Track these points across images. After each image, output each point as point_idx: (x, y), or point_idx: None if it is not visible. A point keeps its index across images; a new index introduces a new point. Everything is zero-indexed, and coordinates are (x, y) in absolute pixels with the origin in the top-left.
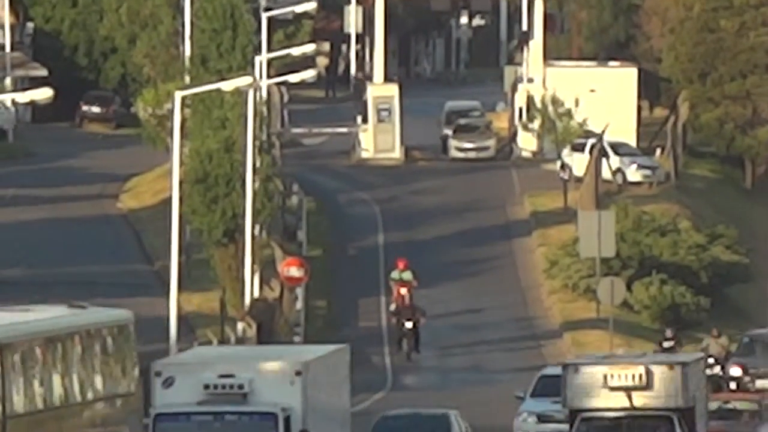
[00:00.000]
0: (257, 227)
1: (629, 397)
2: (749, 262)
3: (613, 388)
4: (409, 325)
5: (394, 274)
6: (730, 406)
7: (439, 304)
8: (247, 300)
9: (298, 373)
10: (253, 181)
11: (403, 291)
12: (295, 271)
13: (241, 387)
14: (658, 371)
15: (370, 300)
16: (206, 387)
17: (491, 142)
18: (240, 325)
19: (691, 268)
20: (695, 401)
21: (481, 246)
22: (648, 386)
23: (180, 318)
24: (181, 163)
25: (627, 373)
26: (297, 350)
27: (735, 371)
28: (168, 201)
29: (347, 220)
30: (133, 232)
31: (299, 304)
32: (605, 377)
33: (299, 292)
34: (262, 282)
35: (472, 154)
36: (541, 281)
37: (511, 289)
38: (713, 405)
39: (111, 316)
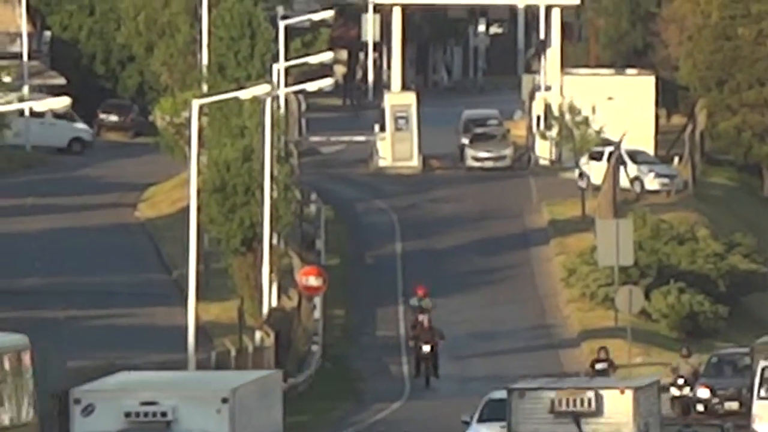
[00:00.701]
0: (275, 236)
1: (578, 424)
2: (767, 270)
3: (560, 414)
4: (426, 348)
5: (413, 301)
6: (690, 430)
7: (457, 312)
8: (266, 309)
9: (224, 401)
10: (271, 189)
11: (422, 318)
12: (313, 281)
13: (164, 415)
14: (609, 396)
15: (388, 309)
16: (127, 415)
17: (508, 151)
18: (258, 335)
19: (710, 276)
20: (648, 427)
21: (499, 255)
22: (598, 412)
23: (198, 327)
24: (199, 172)
25: (575, 398)
26: (225, 376)
27: (703, 393)
28: (186, 210)
29: (365, 229)
30: (151, 242)
31: (317, 314)
32: (552, 402)
33: (317, 301)
34: (280, 291)
35: (488, 164)
36: (559, 290)
37: (529, 297)
38: (672, 430)
39: (5, 342)
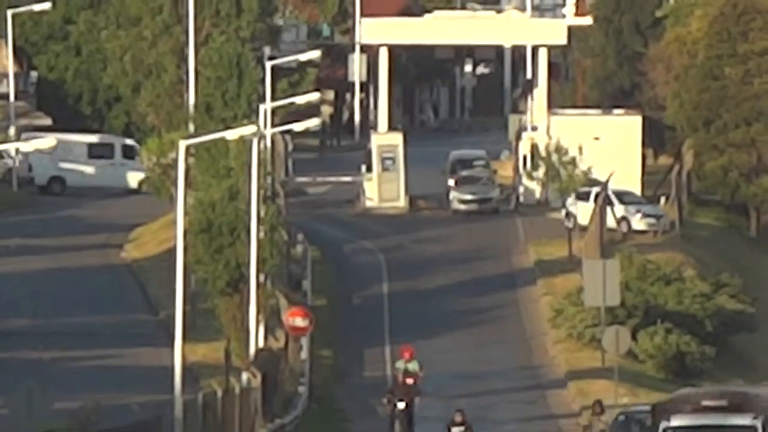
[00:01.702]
0: (262, 277)
1: None
2: (755, 310)
3: None
4: (401, 405)
5: (399, 364)
6: None
7: (444, 353)
8: (252, 350)
9: None
10: (258, 230)
11: (409, 382)
12: (299, 321)
13: None
14: None
15: (375, 350)
16: None
17: (494, 194)
18: (245, 375)
19: (696, 316)
20: None
21: (486, 295)
22: None
23: (185, 368)
24: (186, 213)
25: None
26: None
27: None
28: (172, 251)
29: (352, 270)
30: (137, 282)
31: (304, 354)
32: None
33: (304, 341)
34: (267, 332)
35: (474, 206)
36: (546, 330)
37: (515, 338)
38: None
39: None
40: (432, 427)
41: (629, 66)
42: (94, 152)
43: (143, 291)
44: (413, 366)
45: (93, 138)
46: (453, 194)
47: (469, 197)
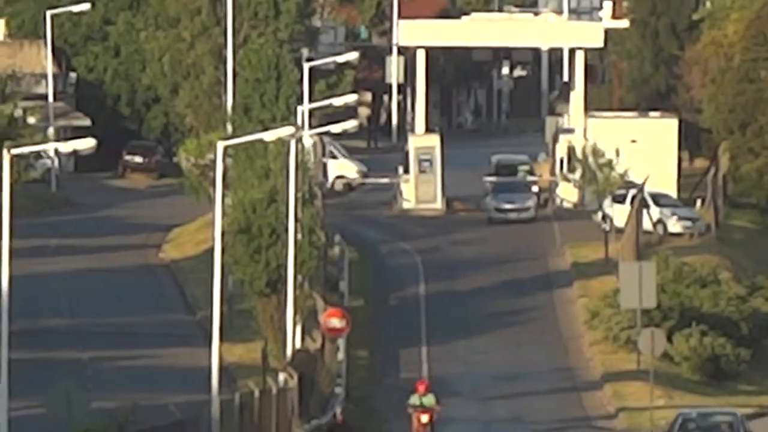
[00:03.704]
0: (300, 278)
1: None
2: None
3: None
4: None
5: (414, 399)
6: None
7: (480, 354)
8: (289, 351)
9: None
10: (295, 231)
11: (425, 419)
12: (336, 322)
13: None
14: None
15: (412, 350)
16: None
17: (531, 203)
18: (282, 376)
19: (732, 319)
20: None
21: (522, 297)
22: None
23: (222, 368)
24: (224, 214)
25: None
26: None
27: None
28: (210, 251)
29: (388, 271)
30: (175, 283)
31: (341, 355)
32: None
33: (341, 342)
34: (304, 333)
35: (512, 215)
36: (581, 332)
37: (551, 339)
38: None
39: None
40: (469, 428)
41: (665, 69)
42: None
43: (181, 291)
44: (429, 400)
45: None
46: (490, 203)
47: (506, 206)
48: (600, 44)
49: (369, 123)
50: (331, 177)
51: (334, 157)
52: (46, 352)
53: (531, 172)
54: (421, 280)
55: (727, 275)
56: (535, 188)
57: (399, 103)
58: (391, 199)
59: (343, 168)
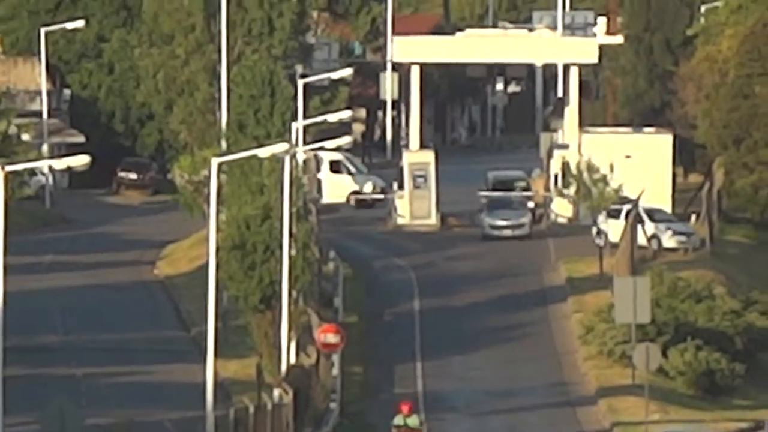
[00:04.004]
0: (294, 294)
1: None
2: None
3: None
4: None
5: (398, 420)
6: None
7: (475, 369)
8: (284, 366)
9: None
10: (290, 247)
11: None
12: (331, 338)
13: None
14: None
15: (407, 366)
16: None
17: (526, 219)
18: (277, 392)
19: (726, 334)
20: None
21: (517, 312)
22: None
23: (217, 384)
24: (218, 230)
25: None
26: None
27: None
28: (204, 267)
29: (383, 287)
30: (170, 299)
31: (335, 371)
32: None
33: (335, 358)
34: (299, 348)
35: (506, 232)
36: (576, 347)
37: (546, 354)
38: None
39: None
40: None
41: (660, 84)
42: None
43: (175, 308)
44: (413, 421)
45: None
46: (485, 220)
47: (501, 223)
48: (594, 60)
49: (363, 139)
50: (346, 193)
51: (350, 173)
52: (40, 368)
53: (527, 188)
54: (415, 295)
55: (721, 290)
56: (531, 204)
57: (393, 119)
58: (386, 215)
59: (359, 184)
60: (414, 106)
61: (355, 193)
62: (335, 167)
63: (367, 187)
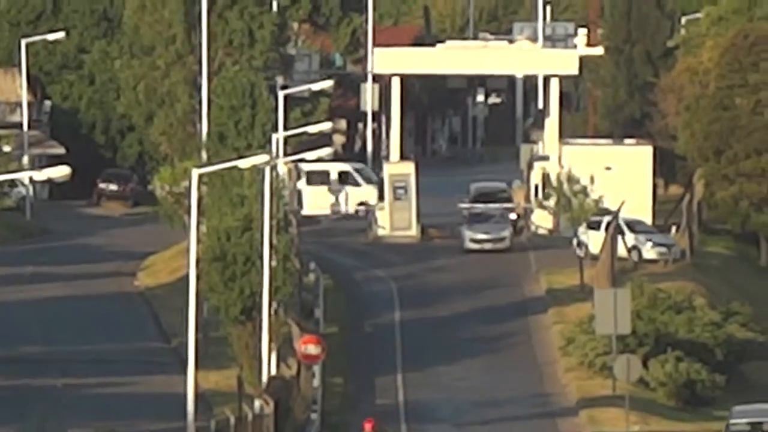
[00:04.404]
0: (275, 305)
1: None
2: (765, 339)
3: None
4: None
5: None
6: None
7: (456, 380)
8: (265, 377)
9: None
10: (270, 259)
11: None
12: (312, 349)
13: None
14: None
15: (387, 378)
16: None
17: (507, 233)
18: (257, 403)
19: (707, 345)
20: None
21: (498, 323)
22: None
23: (197, 395)
24: (199, 241)
25: None
26: None
27: None
28: (185, 279)
29: (364, 298)
30: (150, 310)
31: (316, 382)
32: None
33: (316, 369)
34: (279, 359)
35: (487, 246)
36: (557, 358)
37: (527, 366)
38: None
39: None
40: None
41: (640, 96)
42: (312, 180)
43: (156, 319)
44: None
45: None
46: (465, 233)
47: (482, 236)
48: (575, 71)
49: (344, 150)
50: (352, 203)
51: (356, 184)
52: (20, 379)
53: (509, 200)
54: (396, 307)
55: (702, 301)
56: (513, 215)
57: (374, 131)
58: (366, 227)
59: (365, 195)
60: (394, 118)
61: (362, 204)
62: (344, 178)
63: (372, 198)
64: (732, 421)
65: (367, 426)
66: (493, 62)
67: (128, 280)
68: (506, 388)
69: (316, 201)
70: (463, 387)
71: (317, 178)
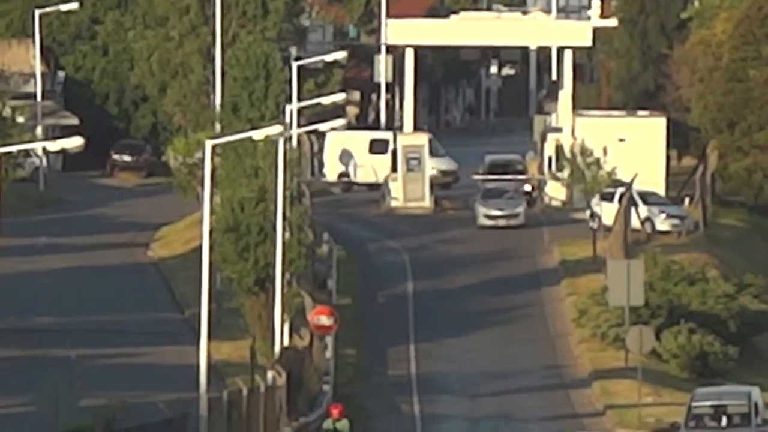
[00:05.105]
0: (288, 276)
1: None
2: None
3: None
4: None
5: (327, 424)
6: None
7: (469, 351)
8: (277, 348)
9: None
10: (283, 230)
11: None
12: (324, 320)
13: None
14: None
15: (400, 348)
16: None
17: (521, 209)
18: (270, 374)
19: (720, 317)
20: None
21: (511, 294)
22: None
23: (210, 366)
24: (212, 212)
25: None
26: None
27: None
28: (198, 250)
29: (377, 269)
30: (164, 281)
31: (329, 353)
32: None
33: (329, 340)
34: (292, 330)
35: (501, 222)
36: (570, 330)
37: (540, 337)
38: None
39: None
40: (458, 425)
41: (654, 68)
42: (375, 148)
43: (169, 290)
44: (342, 425)
45: (374, 134)
46: (479, 209)
47: (496, 213)
48: (588, 43)
49: (357, 122)
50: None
51: (434, 154)
52: (34, 350)
53: (523, 172)
54: (409, 278)
55: (715, 273)
56: (527, 187)
57: (387, 102)
58: (380, 198)
59: (439, 165)
60: (408, 89)
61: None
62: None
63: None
64: (694, 404)
65: (334, 411)
66: (506, 34)
67: (141, 250)
68: (519, 359)
69: (378, 169)
70: (475, 358)
71: (380, 147)
